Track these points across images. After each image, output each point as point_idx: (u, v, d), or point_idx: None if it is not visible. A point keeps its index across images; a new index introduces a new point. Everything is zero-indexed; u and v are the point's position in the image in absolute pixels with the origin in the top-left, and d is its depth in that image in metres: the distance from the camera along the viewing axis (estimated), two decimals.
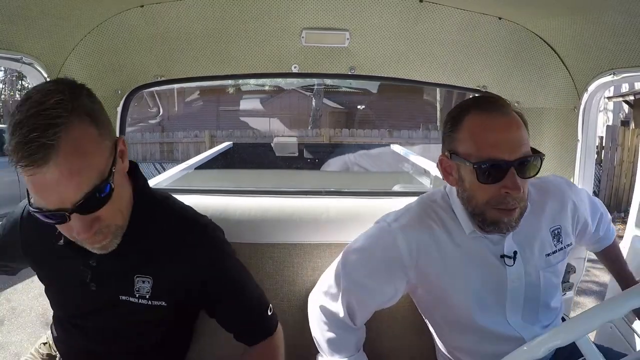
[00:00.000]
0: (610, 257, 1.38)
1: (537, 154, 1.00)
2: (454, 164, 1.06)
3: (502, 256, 1.08)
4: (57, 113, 0.78)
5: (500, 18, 1.31)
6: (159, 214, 1.04)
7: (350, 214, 1.49)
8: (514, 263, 1.08)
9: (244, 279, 1.11)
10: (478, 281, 1.09)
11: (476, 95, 1.09)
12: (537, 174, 1.02)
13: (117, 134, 1.54)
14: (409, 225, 1.11)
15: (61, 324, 1.14)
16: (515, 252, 1.08)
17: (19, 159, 0.77)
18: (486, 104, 1.03)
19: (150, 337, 1.10)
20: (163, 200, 1.08)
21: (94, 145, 0.83)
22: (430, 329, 1.25)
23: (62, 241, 0.97)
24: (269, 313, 1.12)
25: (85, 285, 1.01)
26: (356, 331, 1.21)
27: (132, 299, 1.01)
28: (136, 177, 1.02)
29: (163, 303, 1.02)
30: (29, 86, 1.36)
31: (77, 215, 0.83)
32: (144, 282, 1.01)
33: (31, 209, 0.84)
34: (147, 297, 1.01)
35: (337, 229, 1.46)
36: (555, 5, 1.18)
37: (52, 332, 1.21)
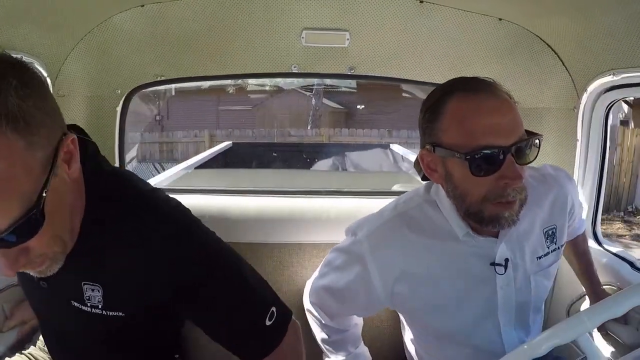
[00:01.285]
0: (578, 250, 1.28)
1: (534, 135, 0.88)
2: (438, 158, 0.92)
3: (493, 264, 0.98)
4: None
5: (500, 19, 1.31)
6: (116, 211, 0.80)
7: (350, 214, 1.49)
8: (505, 271, 0.98)
9: (236, 281, 0.86)
10: (467, 293, 1.00)
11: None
12: (536, 157, 0.90)
13: (117, 135, 1.53)
14: (381, 246, 1.00)
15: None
16: (506, 260, 0.98)
17: None
18: (471, 84, 0.90)
19: (118, 346, 0.91)
20: (120, 193, 0.83)
21: (15, 162, 0.60)
22: (406, 335, 1.21)
23: None
24: (270, 322, 0.86)
25: (38, 284, 0.84)
26: (344, 332, 1.20)
27: (84, 307, 0.83)
28: (92, 161, 0.80)
29: (120, 313, 0.83)
30: None
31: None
32: (93, 290, 0.82)
33: None
34: (100, 306, 0.82)
35: (337, 229, 1.46)
36: (555, 5, 1.18)
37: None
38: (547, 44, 1.35)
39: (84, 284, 0.82)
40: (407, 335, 1.20)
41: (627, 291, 0.78)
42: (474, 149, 0.84)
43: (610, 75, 1.24)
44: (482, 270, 0.99)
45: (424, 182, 1.06)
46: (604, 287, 1.29)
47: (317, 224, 1.48)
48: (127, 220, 0.80)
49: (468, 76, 0.93)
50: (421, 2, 1.27)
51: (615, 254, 1.36)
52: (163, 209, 0.84)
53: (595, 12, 1.14)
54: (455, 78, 0.95)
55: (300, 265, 1.46)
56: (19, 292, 1.25)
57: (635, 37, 1.10)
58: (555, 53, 1.36)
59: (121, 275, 0.80)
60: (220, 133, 12.09)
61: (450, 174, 0.91)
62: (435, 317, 1.04)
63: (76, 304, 0.84)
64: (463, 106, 0.88)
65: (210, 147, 9.22)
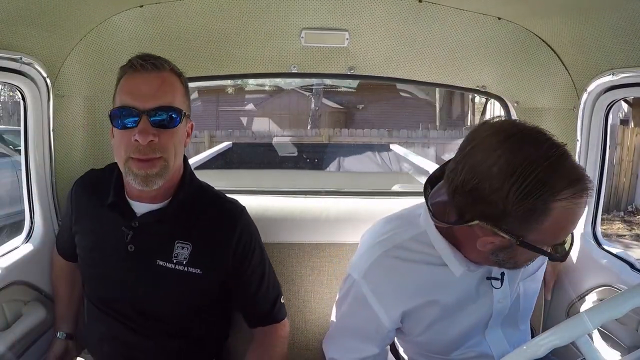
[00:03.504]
0: None
1: None
2: (506, 239, 0.86)
3: (489, 278, 0.99)
4: (167, 64, 1.06)
5: (499, 18, 1.31)
6: (202, 192, 1.17)
7: (350, 214, 1.49)
8: (501, 285, 0.99)
9: (268, 265, 1.20)
10: (463, 309, 1.01)
11: None
12: None
13: None
14: (380, 285, 1.00)
15: (93, 310, 1.16)
16: (502, 274, 0.99)
17: (140, 64, 1.02)
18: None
19: (182, 316, 1.12)
20: (205, 185, 1.22)
21: (180, 91, 1.06)
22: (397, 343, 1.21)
23: (111, 198, 1.10)
24: (282, 301, 1.20)
25: (124, 248, 1.08)
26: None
27: (168, 265, 1.08)
28: (185, 164, 1.16)
29: (198, 271, 1.08)
30: None
31: (145, 119, 0.99)
32: (183, 247, 1.09)
33: (113, 109, 1.03)
34: (184, 262, 1.08)
35: (337, 229, 1.46)
36: (555, 5, 1.18)
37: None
38: (547, 44, 1.35)
39: (177, 242, 1.09)
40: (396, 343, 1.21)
41: (628, 292, 0.78)
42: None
43: (609, 75, 1.24)
44: (479, 286, 1.01)
45: (411, 206, 1.10)
46: (603, 288, 1.29)
47: (317, 224, 1.48)
48: (215, 205, 1.15)
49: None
50: (420, 1, 1.27)
51: (615, 255, 1.35)
52: (239, 207, 1.18)
53: (595, 12, 1.13)
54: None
55: (300, 265, 1.46)
56: (18, 291, 1.24)
57: (634, 37, 1.10)
58: (555, 52, 1.36)
59: (206, 240, 1.09)
60: (219, 134, 12.07)
61: (508, 251, 0.88)
62: (429, 336, 1.04)
63: (161, 262, 1.08)
64: (569, 209, 0.85)
65: (209, 147, 9.22)
